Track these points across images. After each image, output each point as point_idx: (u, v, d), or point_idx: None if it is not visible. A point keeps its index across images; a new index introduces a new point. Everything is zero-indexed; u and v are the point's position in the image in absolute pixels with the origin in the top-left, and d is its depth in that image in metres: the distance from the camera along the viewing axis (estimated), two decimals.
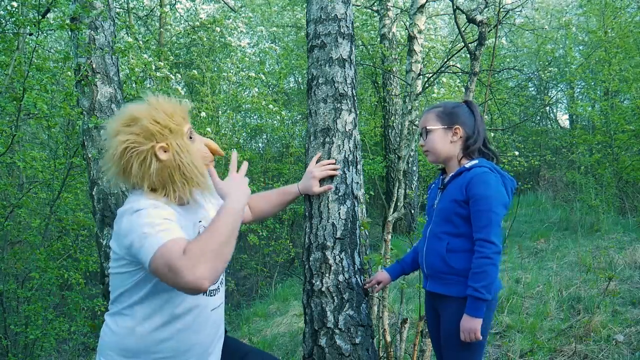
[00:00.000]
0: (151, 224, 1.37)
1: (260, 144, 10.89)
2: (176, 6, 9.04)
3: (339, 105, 2.17)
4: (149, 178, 1.48)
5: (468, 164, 1.84)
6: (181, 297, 1.52)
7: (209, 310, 1.60)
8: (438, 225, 1.87)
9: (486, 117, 4.36)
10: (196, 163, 1.53)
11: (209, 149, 1.63)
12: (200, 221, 1.63)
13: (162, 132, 1.48)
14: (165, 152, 1.48)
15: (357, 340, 2.03)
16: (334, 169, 2.11)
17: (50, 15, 4.59)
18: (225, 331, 1.82)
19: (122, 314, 1.53)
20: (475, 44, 2.63)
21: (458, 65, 7.65)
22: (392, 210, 3.12)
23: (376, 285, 2.13)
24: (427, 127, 1.91)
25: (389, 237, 2.81)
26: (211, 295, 1.62)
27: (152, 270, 1.36)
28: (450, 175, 1.88)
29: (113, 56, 3.63)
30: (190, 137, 1.56)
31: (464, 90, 2.92)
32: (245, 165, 1.64)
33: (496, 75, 9.12)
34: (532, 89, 12.38)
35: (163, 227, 1.36)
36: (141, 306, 1.51)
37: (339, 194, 2.12)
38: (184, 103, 1.58)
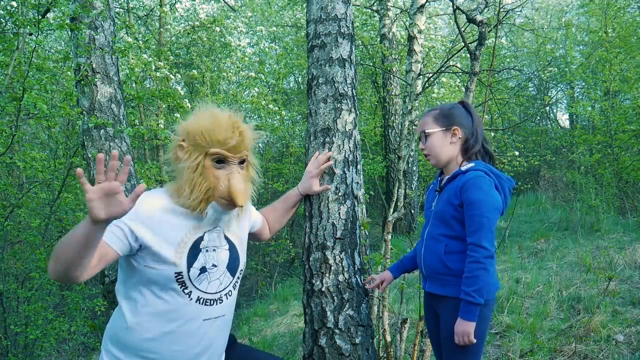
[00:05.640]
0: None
1: (260, 144, 10.90)
2: (176, 6, 9.04)
3: (339, 105, 2.17)
4: (174, 167, 1.59)
5: (464, 166, 1.85)
6: (166, 297, 1.53)
7: (200, 319, 1.57)
8: (435, 227, 1.87)
9: (486, 117, 4.36)
10: (195, 181, 1.51)
11: (228, 190, 1.52)
12: (217, 227, 1.64)
13: (190, 135, 1.55)
14: (180, 150, 1.56)
15: (357, 340, 2.03)
16: (327, 159, 2.11)
17: (50, 15, 4.59)
18: (234, 338, 1.80)
19: (120, 306, 1.57)
20: (475, 44, 2.63)
21: (458, 65, 7.64)
22: (392, 210, 3.12)
23: (380, 285, 2.12)
24: (426, 131, 1.91)
25: (389, 237, 2.81)
26: (207, 305, 1.58)
27: None
28: (447, 177, 1.89)
29: (113, 56, 3.63)
30: (218, 162, 1.53)
31: (464, 90, 2.92)
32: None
33: (496, 75, 9.12)
34: (532, 89, 12.39)
35: (113, 228, 1.45)
36: (131, 300, 1.54)
37: (339, 194, 2.12)
38: (237, 139, 1.54)
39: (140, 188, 1.27)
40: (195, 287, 1.55)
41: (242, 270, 1.72)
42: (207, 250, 1.59)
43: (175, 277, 1.52)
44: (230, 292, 1.66)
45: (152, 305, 1.52)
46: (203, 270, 1.57)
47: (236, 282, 1.69)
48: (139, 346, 1.52)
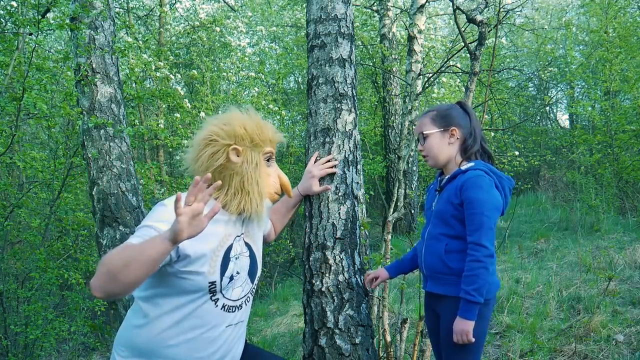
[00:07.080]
0: (152, 220, 1.42)
1: None
2: (176, 6, 9.04)
3: (339, 105, 2.17)
4: (211, 172, 1.53)
5: (464, 166, 1.85)
6: (193, 305, 1.51)
7: (223, 326, 1.58)
8: (436, 227, 1.87)
9: (486, 117, 4.36)
10: (260, 182, 1.57)
11: (281, 183, 1.67)
12: (242, 234, 1.63)
13: (243, 138, 1.55)
14: (237, 155, 1.55)
15: (357, 340, 2.03)
16: (332, 166, 2.11)
17: (50, 15, 4.59)
18: (245, 339, 1.80)
19: (138, 309, 1.54)
20: (475, 44, 2.63)
21: (458, 65, 7.64)
22: (392, 210, 3.12)
23: (374, 281, 2.12)
24: (424, 132, 1.92)
25: (389, 237, 2.81)
26: (230, 311, 1.59)
27: None
28: (447, 177, 1.89)
29: (113, 56, 3.63)
30: (268, 160, 1.63)
31: (464, 90, 2.92)
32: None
33: (496, 75, 9.11)
34: (532, 89, 12.38)
35: (148, 231, 1.39)
36: (155, 306, 1.51)
37: (339, 194, 2.12)
38: (279, 135, 1.67)
39: (217, 207, 1.30)
40: (222, 294, 1.56)
41: (259, 276, 1.73)
42: (236, 258, 1.60)
43: (209, 286, 1.51)
44: (248, 298, 1.67)
45: (178, 312, 1.50)
46: (231, 278, 1.57)
47: (254, 288, 1.70)
48: (160, 353, 1.50)
